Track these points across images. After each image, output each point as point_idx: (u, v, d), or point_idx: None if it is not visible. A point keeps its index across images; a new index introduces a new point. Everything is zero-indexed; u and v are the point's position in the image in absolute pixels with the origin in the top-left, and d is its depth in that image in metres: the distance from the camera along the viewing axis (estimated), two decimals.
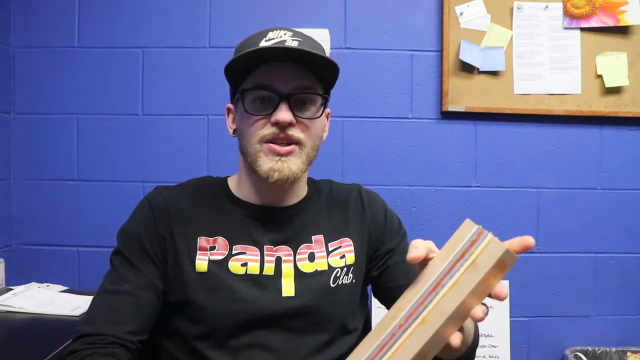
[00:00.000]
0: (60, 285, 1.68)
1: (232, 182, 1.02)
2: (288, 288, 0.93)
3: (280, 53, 0.88)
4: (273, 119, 0.89)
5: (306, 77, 0.91)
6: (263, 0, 1.83)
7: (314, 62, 0.90)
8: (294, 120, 0.89)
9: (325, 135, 1.01)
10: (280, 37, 0.91)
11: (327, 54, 0.98)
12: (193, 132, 1.83)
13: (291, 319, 0.92)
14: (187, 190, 1.00)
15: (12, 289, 1.60)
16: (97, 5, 1.83)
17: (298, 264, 0.95)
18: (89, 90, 1.83)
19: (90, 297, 1.50)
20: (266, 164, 0.90)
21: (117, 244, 0.96)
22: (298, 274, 0.94)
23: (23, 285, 1.64)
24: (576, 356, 1.75)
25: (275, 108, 0.89)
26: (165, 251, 0.93)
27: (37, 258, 1.83)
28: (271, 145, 0.89)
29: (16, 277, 1.77)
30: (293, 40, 0.90)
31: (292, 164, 0.90)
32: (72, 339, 0.87)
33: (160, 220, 0.94)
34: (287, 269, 0.94)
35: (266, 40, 0.90)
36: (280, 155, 0.89)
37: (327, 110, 0.99)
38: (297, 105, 0.91)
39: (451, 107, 1.81)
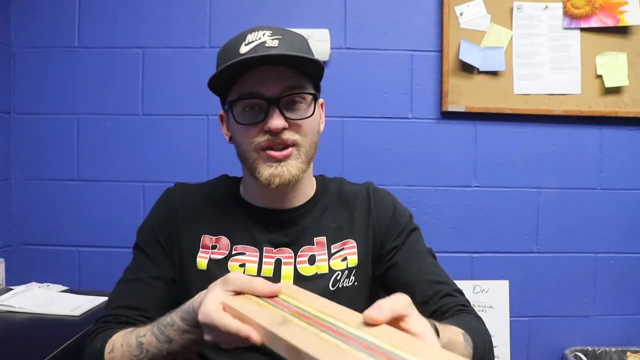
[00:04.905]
0: (61, 285, 1.68)
1: (242, 183, 1.03)
2: None
3: (259, 60, 0.86)
4: (266, 126, 0.88)
5: (292, 77, 0.90)
6: (263, 0, 1.83)
7: (297, 61, 0.88)
8: (287, 124, 0.88)
9: (322, 126, 0.99)
10: (259, 38, 0.88)
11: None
12: (193, 132, 1.83)
13: None
14: (203, 190, 1.02)
15: (12, 289, 1.60)
16: (98, 5, 1.83)
17: (298, 266, 0.95)
18: (89, 90, 1.83)
19: (91, 297, 1.54)
20: (266, 170, 0.90)
21: (136, 237, 1.01)
22: (297, 277, 0.93)
23: (23, 285, 1.65)
24: (576, 356, 1.75)
25: (266, 114, 0.88)
26: (173, 246, 0.97)
27: (37, 258, 1.83)
28: (268, 152, 0.89)
29: (16, 277, 1.77)
30: (273, 39, 0.88)
31: (291, 167, 0.90)
32: (94, 323, 0.96)
33: (172, 216, 0.98)
34: (287, 272, 0.94)
35: (245, 44, 0.88)
36: (279, 160, 0.89)
37: (321, 100, 0.98)
38: (288, 107, 0.90)
39: (451, 107, 1.81)
